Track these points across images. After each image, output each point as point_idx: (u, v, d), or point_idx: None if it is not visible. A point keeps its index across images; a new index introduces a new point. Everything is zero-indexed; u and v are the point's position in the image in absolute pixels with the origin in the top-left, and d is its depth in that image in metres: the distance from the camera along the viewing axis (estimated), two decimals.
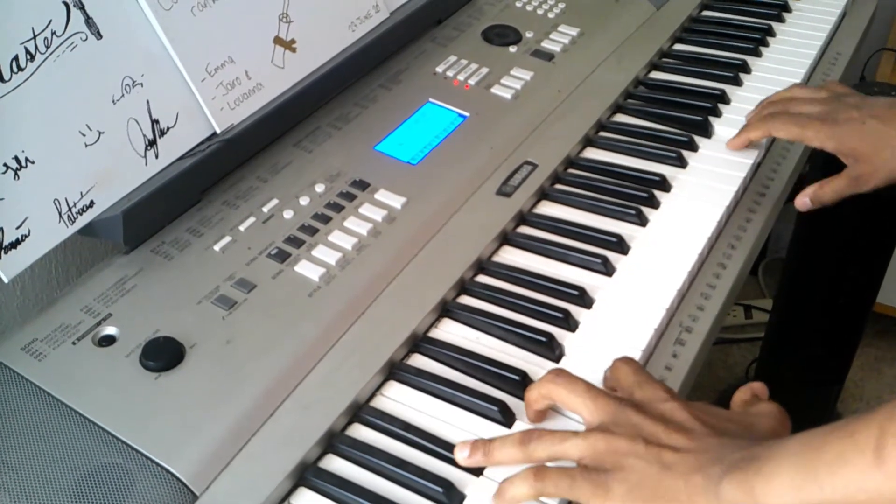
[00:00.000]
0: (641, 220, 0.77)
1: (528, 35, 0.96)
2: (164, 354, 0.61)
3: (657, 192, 0.80)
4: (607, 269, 0.72)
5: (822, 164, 0.92)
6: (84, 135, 0.67)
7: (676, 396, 0.58)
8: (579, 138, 0.85)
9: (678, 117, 0.89)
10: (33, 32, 0.64)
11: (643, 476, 0.52)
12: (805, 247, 1.44)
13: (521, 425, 0.60)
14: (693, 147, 0.86)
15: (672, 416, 0.55)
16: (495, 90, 0.88)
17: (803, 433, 0.50)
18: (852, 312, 1.48)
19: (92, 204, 0.67)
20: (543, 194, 0.80)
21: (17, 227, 0.63)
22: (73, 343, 0.61)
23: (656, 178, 0.81)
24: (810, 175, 0.82)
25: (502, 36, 0.96)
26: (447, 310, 0.69)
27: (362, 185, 0.76)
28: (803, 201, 0.80)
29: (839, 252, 1.40)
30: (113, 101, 0.69)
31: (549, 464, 0.56)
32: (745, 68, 0.98)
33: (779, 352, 1.56)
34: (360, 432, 0.60)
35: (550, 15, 1.00)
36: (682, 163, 0.84)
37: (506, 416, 0.61)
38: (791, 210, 1.29)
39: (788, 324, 1.54)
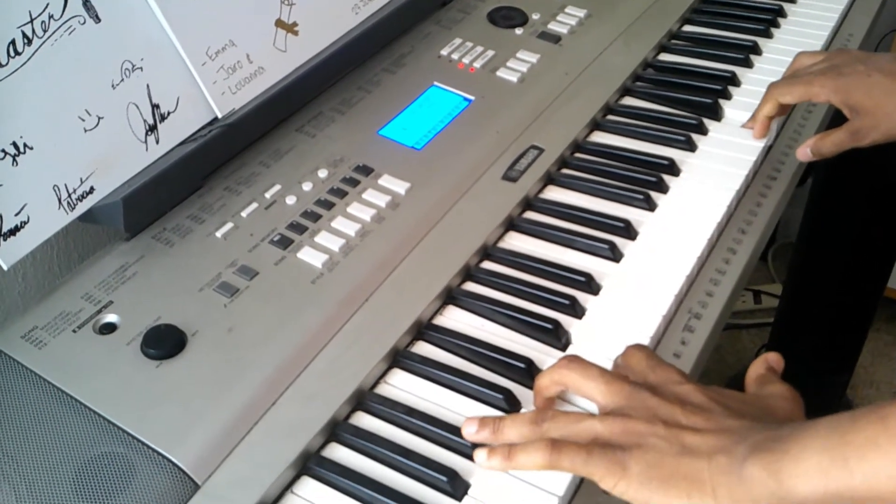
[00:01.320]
0: (650, 205, 0.76)
1: (535, 17, 0.95)
2: (165, 342, 0.60)
3: (666, 177, 0.79)
4: (615, 255, 0.71)
5: None
6: (83, 120, 0.66)
7: (691, 379, 0.57)
8: (586, 122, 0.84)
9: (687, 100, 0.88)
10: (30, 16, 0.63)
11: (662, 456, 0.51)
12: (815, 232, 1.42)
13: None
14: (703, 130, 0.84)
15: (689, 397, 0.54)
16: (501, 73, 0.87)
17: (832, 416, 0.48)
18: (862, 298, 1.47)
19: (92, 190, 0.66)
20: (550, 179, 0.79)
21: (17, 214, 0.62)
22: (74, 331, 0.61)
23: (665, 162, 0.80)
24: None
25: (508, 18, 0.94)
26: (452, 297, 0.68)
27: (366, 170, 0.75)
28: (804, 152, 0.79)
29: (849, 237, 1.39)
30: (112, 86, 0.68)
31: None
32: (756, 50, 0.96)
33: (788, 337, 1.55)
34: (364, 421, 0.60)
35: None
36: (691, 146, 0.82)
37: (511, 405, 0.60)
38: (801, 195, 1.28)
39: (798, 309, 1.53)
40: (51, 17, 0.64)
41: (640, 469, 0.51)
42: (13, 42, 0.62)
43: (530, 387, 0.61)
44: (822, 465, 0.46)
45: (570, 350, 0.64)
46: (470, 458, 0.57)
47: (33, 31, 0.63)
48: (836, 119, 0.80)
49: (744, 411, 0.54)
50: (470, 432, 0.56)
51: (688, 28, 1.01)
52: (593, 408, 0.57)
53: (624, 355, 0.60)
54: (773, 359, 0.60)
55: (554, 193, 0.78)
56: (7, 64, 0.62)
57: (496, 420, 0.56)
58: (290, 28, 0.79)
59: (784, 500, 0.47)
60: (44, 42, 0.64)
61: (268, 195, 0.72)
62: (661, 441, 0.51)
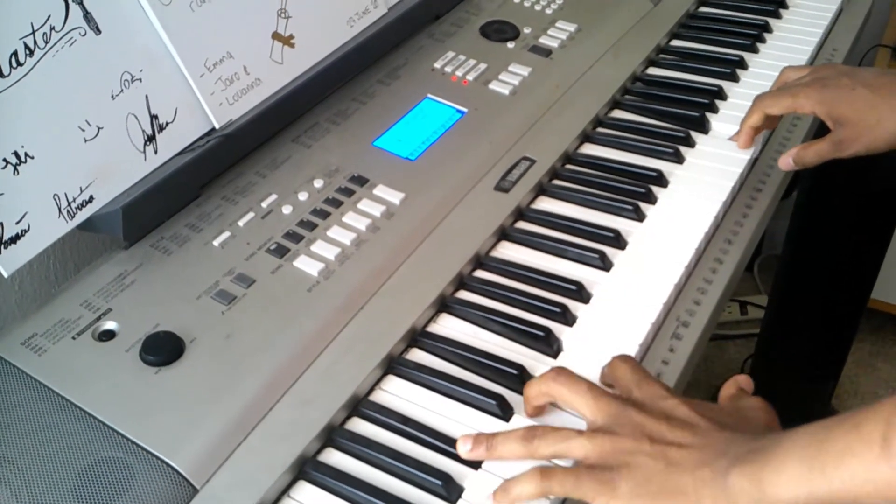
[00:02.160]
0: (639, 216, 0.77)
1: (526, 31, 0.96)
2: (163, 349, 0.61)
3: (654, 188, 0.80)
4: (605, 265, 0.73)
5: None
6: (83, 130, 0.67)
7: (675, 394, 0.58)
8: (577, 134, 0.85)
9: (675, 113, 0.90)
10: (32, 28, 0.64)
11: (650, 473, 0.53)
12: (800, 243, 1.44)
13: (518, 419, 0.61)
14: (690, 143, 0.86)
15: (673, 412, 0.56)
16: (493, 86, 0.88)
17: (809, 425, 0.50)
18: (847, 308, 1.48)
19: (91, 199, 0.67)
20: (541, 190, 0.80)
21: (17, 222, 0.63)
22: (73, 338, 0.62)
23: (653, 174, 0.81)
24: (805, 171, 0.82)
25: (500, 32, 0.96)
26: (446, 305, 0.69)
27: (361, 180, 0.76)
28: (786, 161, 0.81)
29: (834, 248, 1.40)
30: (112, 97, 0.69)
31: (556, 461, 0.56)
32: (742, 64, 0.98)
33: (774, 348, 1.57)
34: (360, 426, 0.61)
35: (548, 11, 1.00)
36: (679, 158, 0.84)
37: (504, 410, 0.61)
38: (786, 207, 1.30)
39: (784, 320, 1.55)
40: (52, 28, 0.65)
41: (629, 488, 0.53)
42: (15, 53, 0.63)
43: (522, 393, 0.62)
44: (801, 473, 0.48)
45: (562, 357, 0.65)
46: (463, 462, 0.58)
47: (35, 42, 0.64)
48: (820, 132, 0.82)
49: (726, 423, 0.56)
50: (465, 450, 0.57)
51: (675, 43, 1.03)
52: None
53: (610, 366, 0.61)
54: (744, 381, 0.62)
55: (545, 204, 0.79)
56: (9, 74, 0.63)
57: (489, 437, 0.57)
58: (287, 41, 0.80)
59: None
60: (45, 53, 0.65)
61: (264, 204, 0.73)
62: (647, 458, 0.53)
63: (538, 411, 0.60)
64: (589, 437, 0.55)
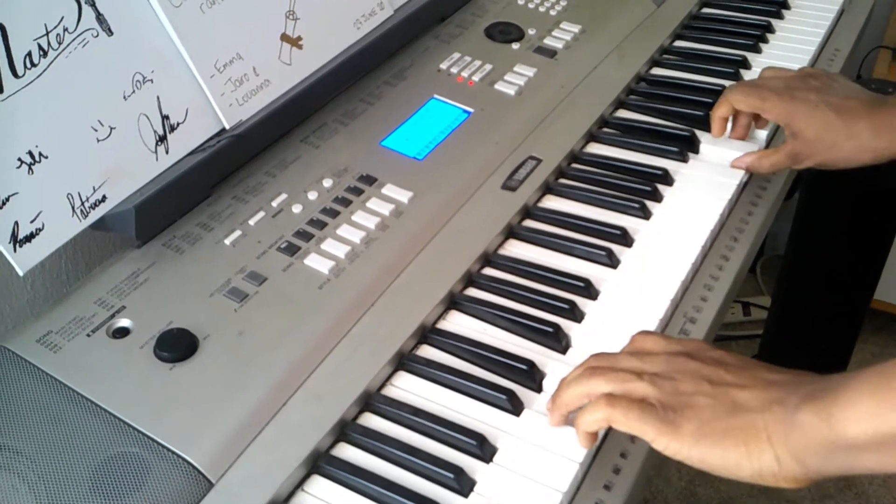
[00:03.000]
0: (645, 214, 0.78)
1: (531, 32, 0.97)
2: (177, 346, 0.61)
3: (660, 186, 0.81)
4: (612, 262, 0.73)
5: None
6: (96, 130, 0.68)
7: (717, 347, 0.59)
8: (582, 133, 0.86)
9: (679, 112, 0.91)
10: (46, 29, 0.65)
11: (714, 413, 0.53)
12: (803, 244, 1.45)
13: (528, 413, 0.61)
14: (695, 142, 0.87)
15: (725, 359, 0.56)
16: (499, 86, 0.89)
17: (878, 365, 0.50)
18: (850, 309, 1.49)
19: (104, 198, 0.68)
20: (548, 188, 0.81)
21: (32, 221, 0.64)
22: (88, 335, 0.62)
23: (659, 172, 0.82)
24: (807, 171, 0.83)
25: (505, 33, 0.97)
26: (455, 302, 0.70)
27: (369, 179, 0.77)
28: (740, 163, 0.83)
29: (837, 249, 1.41)
30: (124, 97, 0.70)
31: None
32: (745, 64, 0.99)
33: (777, 348, 1.58)
34: (372, 421, 0.61)
35: (552, 12, 1.01)
36: (684, 157, 0.85)
37: (514, 405, 0.62)
38: (789, 208, 1.30)
39: (786, 321, 1.56)
40: (65, 30, 0.66)
41: (694, 427, 0.53)
42: (29, 54, 0.64)
43: (533, 388, 0.63)
44: (869, 409, 0.48)
45: (571, 353, 0.66)
46: (475, 456, 0.58)
47: (48, 43, 0.65)
48: None
49: (776, 369, 0.56)
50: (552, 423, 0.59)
51: (679, 43, 1.04)
52: None
53: (633, 342, 0.61)
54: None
55: (552, 202, 0.80)
56: (23, 75, 0.64)
57: (553, 396, 0.59)
58: (295, 42, 0.81)
59: (835, 443, 0.49)
60: (59, 54, 0.66)
61: (274, 204, 0.73)
62: (710, 399, 0.53)
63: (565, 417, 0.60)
64: (649, 379, 0.55)
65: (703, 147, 0.87)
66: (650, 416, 0.54)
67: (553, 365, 0.65)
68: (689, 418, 0.53)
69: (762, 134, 0.86)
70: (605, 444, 0.60)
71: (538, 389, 0.63)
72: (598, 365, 0.58)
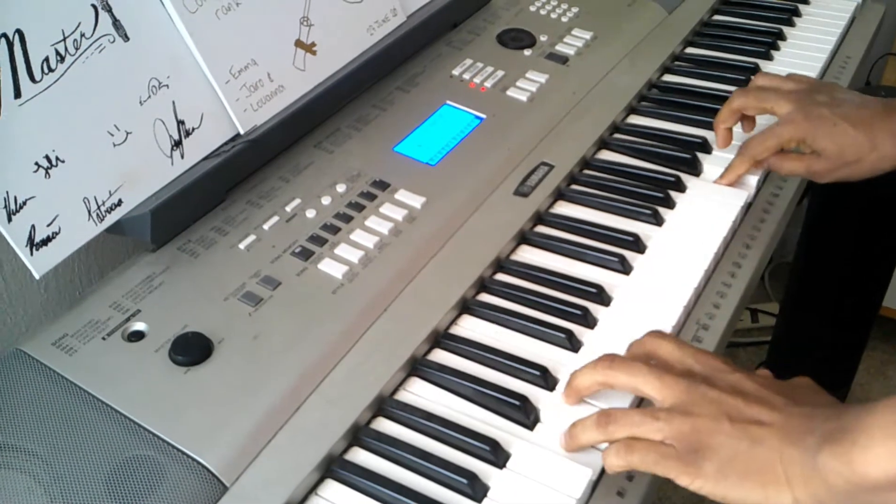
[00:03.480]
0: (657, 220, 0.78)
1: (543, 38, 0.98)
2: (192, 349, 0.62)
3: (672, 193, 0.81)
4: (624, 268, 0.74)
5: None
6: (112, 135, 0.68)
7: (732, 364, 0.58)
8: (594, 140, 0.86)
9: (691, 119, 0.91)
10: (63, 34, 0.66)
11: (734, 452, 0.53)
12: (811, 251, 1.45)
13: (543, 422, 0.61)
14: (707, 148, 0.87)
15: (743, 387, 0.56)
16: (511, 92, 0.90)
17: (888, 400, 0.50)
18: (858, 316, 1.49)
19: (120, 203, 0.68)
20: (560, 194, 0.81)
21: (48, 225, 0.64)
22: (104, 338, 0.63)
23: (671, 179, 0.82)
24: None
25: (517, 39, 0.97)
26: (468, 307, 0.70)
27: (382, 185, 0.77)
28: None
29: (845, 256, 1.41)
30: (140, 102, 0.70)
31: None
32: (756, 71, 0.99)
33: (785, 355, 1.58)
34: (385, 426, 0.61)
35: (564, 19, 1.01)
36: (696, 163, 0.85)
37: (527, 410, 0.62)
38: (798, 214, 1.30)
39: (795, 328, 1.56)
40: (82, 35, 0.67)
41: (715, 467, 0.53)
42: (47, 59, 0.65)
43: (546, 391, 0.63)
44: (889, 450, 0.49)
45: (584, 358, 0.66)
46: (488, 462, 0.59)
47: (66, 48, 0.66)
48: None
49: (795, 396, 0.56)
50: (562, 446, 0.59)
51: (690, 50, 1.04)
52: (616, 403, 0.60)
53: (646, 343, 0.61)
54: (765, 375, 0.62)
55: (564, 208, 0.80)
56: (41, 80, 0.64)
57: (569, 430, 0.59)
58: (309, 48, 0.82)
59: (858, 485, 0.49)
60: (75, 60, 0.66)
61: (288, 208, 0.74)
62: (729, 438, 0.53)
63: (578, 402, 0.61)
64: (666, 419, 0.55)
65: (715, 154, 0.87)
66: (670, 460, 0.54)
67: (566, 371, 0.65)
68: (709, 458, 0.53)
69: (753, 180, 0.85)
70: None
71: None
72: (610, 380, 0.59)
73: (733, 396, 0.55)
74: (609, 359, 0.59)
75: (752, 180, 0.82)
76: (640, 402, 0.63)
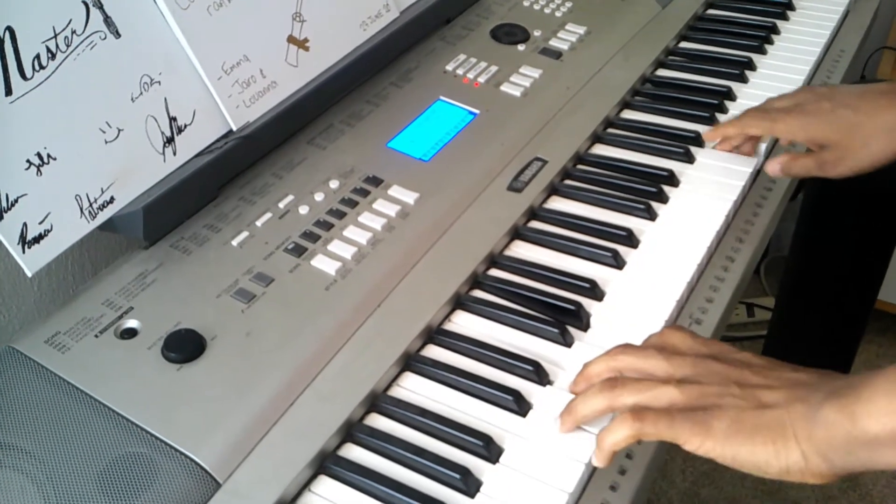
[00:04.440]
0: (650, 215, 0.78)
1: (536, 34, 0.98)
2: (185, 346, 0.62)
3: (666, 187, 0.81)
4: (618, 263, 0.74)
5: None
6: (104, 132, 0.68)
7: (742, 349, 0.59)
8: (588, 134, 0.86)
9: (685, 113, 0.91)
10: (54, 31, 0.65)
11: (742, 412, 0.54)
12: (807, 245, 1.45)
13: (535, 414, 0.61)
14: (700, 143, 0.87)
15: (751, 361, 0.57)
16: (504, 88, 0.89)
17: None
18: (854, 310, 1.49)
19: (112, 200, 0.68)
20: (553, 189, 0.81)
21: (40, 223, 0.64)
22: (96, 336, 0.63)
23: (664, 174, 0.82)
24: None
25: (510, 34, 0.97)
26: (461, 303, 0.70)
27: (375, 181, 0.77)
28: (774, 167, 0.81)
29: (841, 250, 1.41)
30: (132, 99, 0.70)
31: None
32: (751, 65, 0.99)
33: (781, 349, 1.57)
34: (378, 422, 0.61)
35: (558, 14, 1.01)
36: (689, 158, 0.85)
37: (520, 405, 0.62)
38: (793, 208, 1.30)
39: (791, 322, 1.55)
40: (73, 32, 0.67)
41: (724, 426, 0.53)
42: (38, 56, 0.64)
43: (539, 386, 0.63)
44: (891, 406, 0.49)
45: (577, 353, 0.66)
46: (481, 457, 0.59)
47: (57, 45, 0.66)
48: None
49: (800, 368, 0.57)
50: (561, 430, 0.59)
51: (684, 44, 1.04)
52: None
53: (661, 335, 0.62)
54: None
55: (558, 203, 0.80)
56: (32, 77, 0.64)
57: (567, 407, 0.59)
58: (302, 44, 0.82)
59: (858, 438, 0.50)
60: (67, 56, 0.66)
61: (281, 205, 0.74)
62: (738, 399, 0.54)
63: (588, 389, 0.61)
64: (676, 385, 0.56)
65: (708, 148, 0.87)
66: (680, 421, 0.54)
67: (560, 365, 0.65)
68: (719, 417, 0.54)
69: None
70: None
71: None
72: (621, 364, 0.59)
73: (740, 368, 0.57)
74: (622, 346, 0.60)
75: (743, 176, 0.82)
76: None
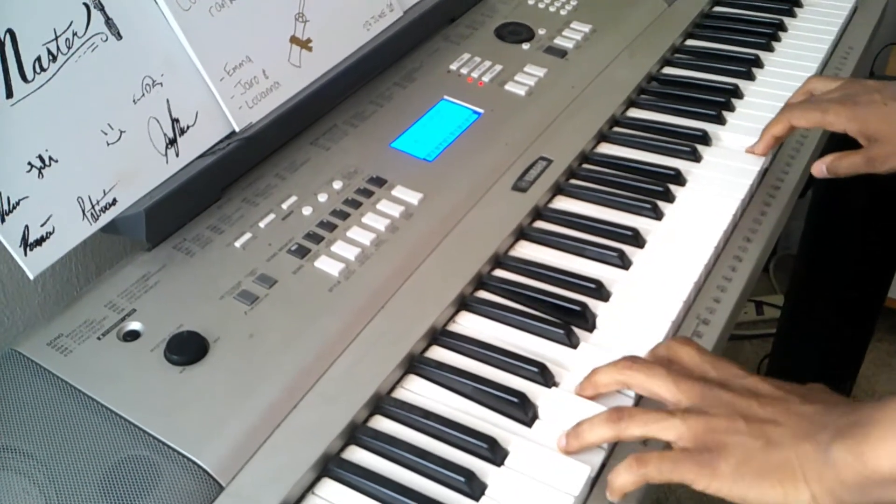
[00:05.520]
0: (657, 214, 0.77)
1: (541, 32, 0.97)
2: (188, 348, 0.61)
3: (672, 186, 0.80)
4: (624, 263, 0.73)
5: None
6: (106, 134, 0.68)
7: (750, 372, 0.58)
8: (593, 133, 0.86)
9: (691, 112, 0.90)
10: (55, 33, 0.65)
11: (749, 451, 0.52)
12: (816, 243, 1.44)
13: (542, 419, 0.61)
14: (707, 141, 0.86)
15: (758, 389, 0.56)
16: (509, 87, 0.89)
17: None
18: (864, 308, 1.48)
19: (114, 202, 0.68)
20: (558, 189, 0.81)
21: (42, 225, 0.64)
22: (99, 338, 0.62)
23: (671, 173, 0.82)
24: None
25: (515, 33, 0.96)
26: (466, 304, 0.70)
27: (379, 181, 0.76)
28: (820, 169, 0.79)
29: (850, 248, 1.40)
30: (134, 101, 0.70)
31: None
32: (758, 63, 0.98)
33: (790, 348, 1.57)
34: (382, 424, 0.61)
35: (563, 12, 1.01)
36: (696, 157, 0.84)
37: (525, 407, 0.61)
38: (802, 206, 1.29)
39: (800, 320, 1.55)
40: (74, 34, 0.66)
41: (731, 468, 0.52)
42: (38, 59, 0.64)
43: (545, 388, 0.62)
44: None
45: (582, 353, 0.65)
46: (486, 460, 0.58)
47: (58, 48, 0.65)
48: (834, 134, 0.81)
49: (809, 397, 0.56)
50: (562, 446, 0.58)
51: (690, 42, 1.03)
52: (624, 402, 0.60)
53: (669, 348, 0.61)
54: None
55: (563, 203, 0.80)
56: (33, 80, 0.64)
57: (574, 429, 0.58)
58: (305, 44, 0.81)
59: (870, 478, 0.49)
60: (68, 59, 0.66)
61: (284, 206, 0.73)
62: (744, 437, 0.53)
63: (594, 397, 0.61)
64: (681, 417, 0.55)
65: (715, 147, 0.86)
66: (686, 463, 0.53)
67: (565, 367, 0.64)
68: (725, 458, 0.52)
69: None
70: (617, 448, 0.60)
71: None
72: (629, 380, 0.58)
73: (748, 398, 0.55)
74: (630, 360, 0.59)
75: (751, 175, 0.81)
76: (639, 402, 0.62)
